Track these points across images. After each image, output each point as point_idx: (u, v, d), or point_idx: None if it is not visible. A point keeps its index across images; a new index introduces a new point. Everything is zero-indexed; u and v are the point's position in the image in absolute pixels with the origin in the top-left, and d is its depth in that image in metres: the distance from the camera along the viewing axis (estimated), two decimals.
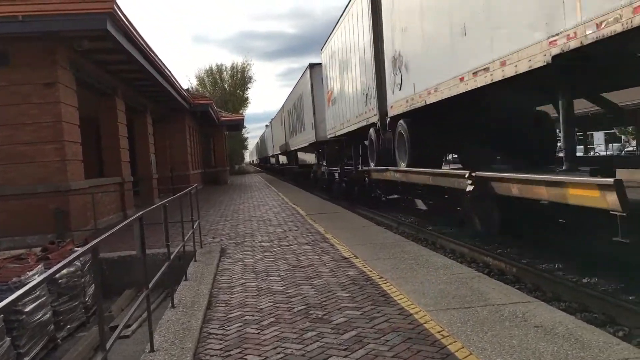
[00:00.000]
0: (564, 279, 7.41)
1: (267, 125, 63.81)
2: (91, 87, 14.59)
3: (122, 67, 15.23)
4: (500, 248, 9.68)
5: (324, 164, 24.13)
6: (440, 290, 5.66)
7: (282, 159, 44.60)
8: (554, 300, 6.52)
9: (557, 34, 6.24)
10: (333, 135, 21.16)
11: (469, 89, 8.54)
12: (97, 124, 16.83)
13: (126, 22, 11.79)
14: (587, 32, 5.72)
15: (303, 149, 30.45)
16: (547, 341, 4.04)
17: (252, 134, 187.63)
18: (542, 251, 9.00)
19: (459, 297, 5.36)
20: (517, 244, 9.60)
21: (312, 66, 25.29)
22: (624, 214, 5.47)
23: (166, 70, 17.83)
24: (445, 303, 5.21)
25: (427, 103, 10.35)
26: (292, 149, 35.53)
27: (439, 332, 4.45)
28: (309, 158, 29.37)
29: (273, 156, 56.73)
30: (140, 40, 13.31)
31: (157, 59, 15.78)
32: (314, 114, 24.87)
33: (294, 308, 5.50)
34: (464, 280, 6.00)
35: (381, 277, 6.47)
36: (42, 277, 2.63)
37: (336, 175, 20.96)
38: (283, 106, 39.44)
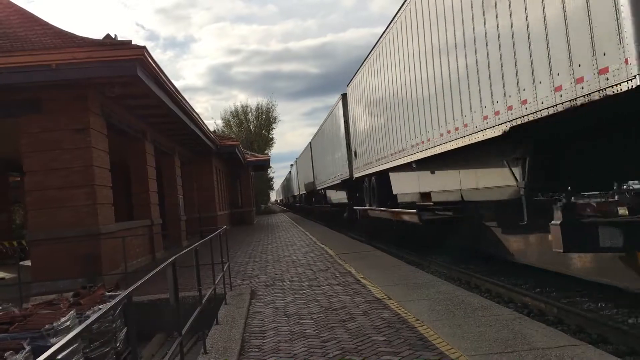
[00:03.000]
0: (609, 319, 7.09)
1: (291, 165, 64.27)
2: (121, 131, 14.84)
3: (152, 112, 15.50)
4: (539, 287, 9.37)
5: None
6: (480, 333, 5.45)
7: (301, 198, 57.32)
8: (601, 343, 6.23)
9: None
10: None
11: None
12: (127, 167, 17.07)
13: (155, 68, 12.03)
14: None
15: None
16: None
17: (278, 173, 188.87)
18: (584, 290, 8.68)
19: (501, 341, 5.14)
20: (555, 283, 9.28)
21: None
22: None
23: (194, 113, 18.09)
24: (486, 347, 4.99)
25: None
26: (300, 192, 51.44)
27: None
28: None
29: (297, 195, 58.86)
30: (169, 84, 13.55)
31: (185, 103, 16.04)
32: (312, 167, 35.82)
33: (329, 353, 5.34)
34: (504, 322, 5.77)
35: (417, 320, 6.28)
36: (79, 329, 2.57)
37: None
38: (301, 155, 48.93)
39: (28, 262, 12.85)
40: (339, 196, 28.25)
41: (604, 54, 5.97)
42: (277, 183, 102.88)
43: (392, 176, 16.54)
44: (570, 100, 6.61)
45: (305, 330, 6.34)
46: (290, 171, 68.27)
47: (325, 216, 34.21)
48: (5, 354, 5.15)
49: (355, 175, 21.19)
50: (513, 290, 9.19)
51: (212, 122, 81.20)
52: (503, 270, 10.79)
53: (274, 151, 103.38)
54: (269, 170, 69.74)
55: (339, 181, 24.90)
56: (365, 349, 5.35)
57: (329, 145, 28.35)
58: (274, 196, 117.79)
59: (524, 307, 8.34)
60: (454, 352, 4.95)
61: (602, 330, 6.67)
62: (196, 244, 6.16)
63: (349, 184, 23.14)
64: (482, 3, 8.75)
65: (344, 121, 22.28)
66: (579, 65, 6.40)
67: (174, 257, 4.67)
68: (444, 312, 6.50)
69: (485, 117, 8.99)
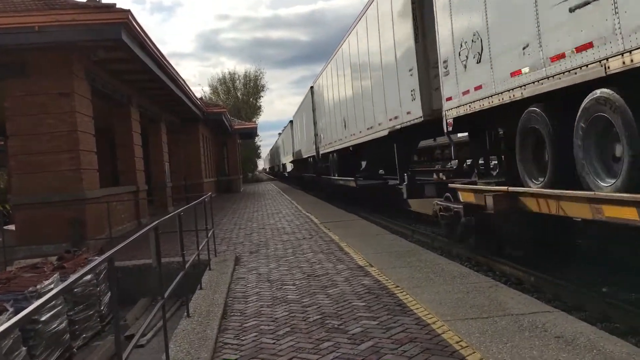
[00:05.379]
0: (584, 288, 7.28)
1: (279, 134, 63.95)
2: (106, 96, 14.71)
3: (137, 77, 15.36)
4: (519, 257, 9.54)
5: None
6: (457, 300, 5.59)
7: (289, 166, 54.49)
8: (575, 310, 6.40)
9: None
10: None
11: None
12: (112, 133, 16.96)
13: (140, 32, 11.88)
14: None
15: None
16: (568, 352, 3.96)
17: (265, 141, 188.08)
18: (561, 259, 8.87)
19: (477, 307, 5.28)
20: (536, 253, 9.46)
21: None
22: None
23: (180, 79, 17.94)
24: (463, 313, 5.13)
25: None
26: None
27: (457, 342, 4.38)
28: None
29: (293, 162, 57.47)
30: (154, 49, 13.40)
31: (171, 68, 15.89)
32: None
33: (309, 317, 5.46)
34: (481, 290, 5.92)
35: (397, 286, 6.41)
36: (59, 287, 2.62)
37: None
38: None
39: (12, 227, 12.83)
40: None
41: None
42: (265, 152, 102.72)
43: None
44: None
45: (288, 295, 6.45)
46: (278, 139, 67.94)
47: None
48: None
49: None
50: (492, 259, 9.36)
51: (200, 88, 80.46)
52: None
53: (262, 119, 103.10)
54: (257, 138, 69.52)
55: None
56: (345, 314, 5.47)
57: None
58: (261, 165, 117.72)
59: (502, 275, 8.52)
60: (431, 317, 5.08)
61: (578, 298, 6.86)
62: (180, 209, 6.20)
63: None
64: None
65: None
66: None
67: (156, 222, 4.71)
68: (423, 280, 6.64)
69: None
